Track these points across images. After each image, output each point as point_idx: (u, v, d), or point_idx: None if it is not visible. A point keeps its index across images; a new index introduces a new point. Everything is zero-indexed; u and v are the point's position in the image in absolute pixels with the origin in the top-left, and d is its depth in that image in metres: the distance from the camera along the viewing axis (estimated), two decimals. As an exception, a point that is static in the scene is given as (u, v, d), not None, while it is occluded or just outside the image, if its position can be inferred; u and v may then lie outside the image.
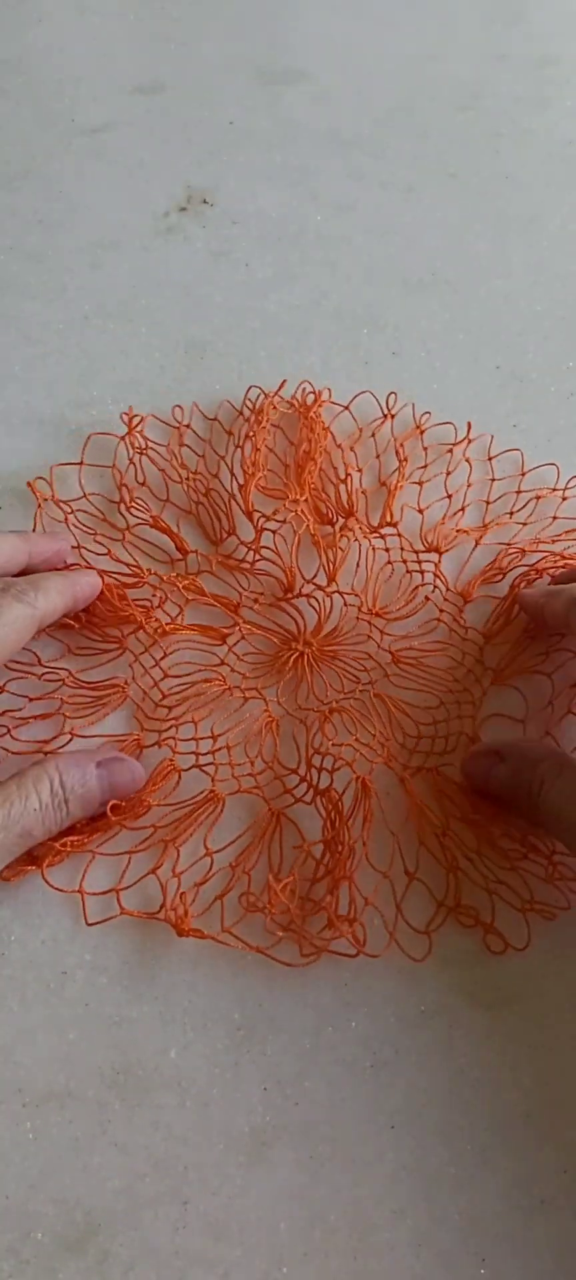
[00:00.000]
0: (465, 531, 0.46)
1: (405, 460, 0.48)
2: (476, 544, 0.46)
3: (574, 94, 0.69)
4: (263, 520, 0.45)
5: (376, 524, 0.46)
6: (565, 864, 0.37)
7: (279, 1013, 0.35)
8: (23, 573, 0.42)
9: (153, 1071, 0.34)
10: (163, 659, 0.42)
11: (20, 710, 0.40)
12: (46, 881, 0.36)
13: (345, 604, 0.44)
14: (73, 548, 0.45)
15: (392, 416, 0.49)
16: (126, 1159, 0.32)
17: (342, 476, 0.47)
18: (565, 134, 0.66)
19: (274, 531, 0.45)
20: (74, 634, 0.42)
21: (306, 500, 0.46)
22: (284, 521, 0.45)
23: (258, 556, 0.45)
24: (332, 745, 0.40)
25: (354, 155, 0.64)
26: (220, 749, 0.40)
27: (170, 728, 0.40)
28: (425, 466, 0.48)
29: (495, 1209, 0.32)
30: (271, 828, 0.38)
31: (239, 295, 0.56)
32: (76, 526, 0.46)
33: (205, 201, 0.61)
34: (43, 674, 0.41)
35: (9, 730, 0.40)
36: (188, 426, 0.49)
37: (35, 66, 0.69)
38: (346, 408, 0.50)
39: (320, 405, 0.50)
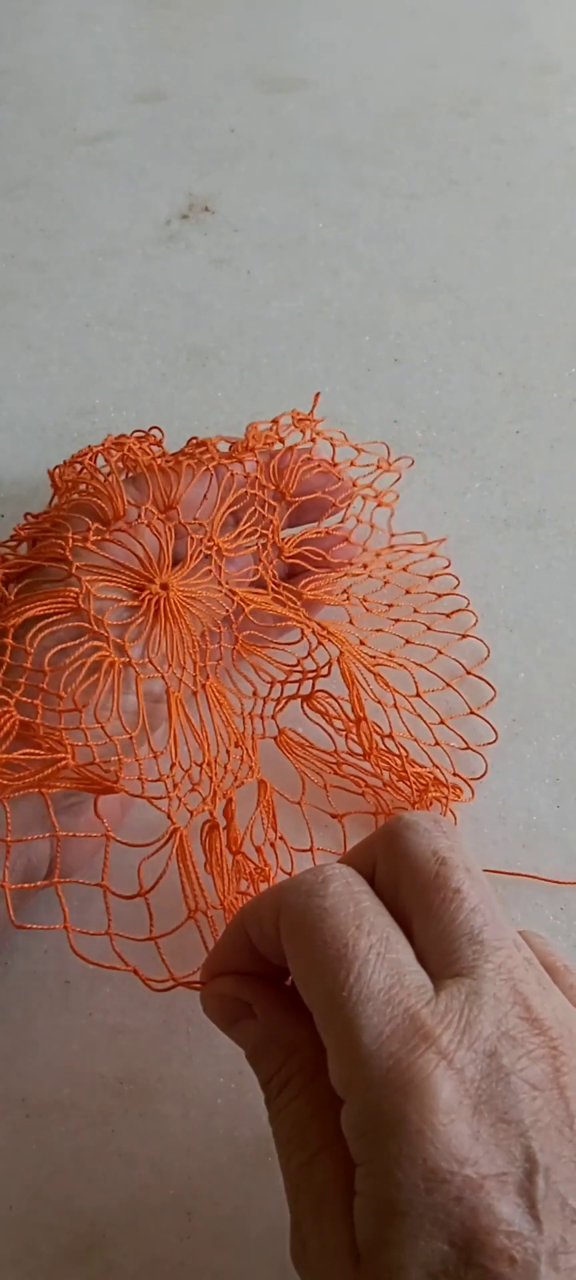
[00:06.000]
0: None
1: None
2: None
3: (574, 100, 0.69)
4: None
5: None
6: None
7: (283, 1021, 0.35)
8: None
9: (156, 1081, 0.34)
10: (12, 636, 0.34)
11: None
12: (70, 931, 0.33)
13: (190, 535, 0.38)
14: None
15: (392, 467, 0.46)
16: (130, 1169, 0.32)
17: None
18: (566, 140, 0.66)
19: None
20: None
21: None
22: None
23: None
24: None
25: (355, 162, 0.64)
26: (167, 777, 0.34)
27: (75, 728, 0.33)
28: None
29: (500, 1218, 0.32)
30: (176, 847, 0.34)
31: (240, 303, 0.56)
32: None
33: (207, 209, 0.61)
34: None
35: None
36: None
37: (37, 75, 0.69)
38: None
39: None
